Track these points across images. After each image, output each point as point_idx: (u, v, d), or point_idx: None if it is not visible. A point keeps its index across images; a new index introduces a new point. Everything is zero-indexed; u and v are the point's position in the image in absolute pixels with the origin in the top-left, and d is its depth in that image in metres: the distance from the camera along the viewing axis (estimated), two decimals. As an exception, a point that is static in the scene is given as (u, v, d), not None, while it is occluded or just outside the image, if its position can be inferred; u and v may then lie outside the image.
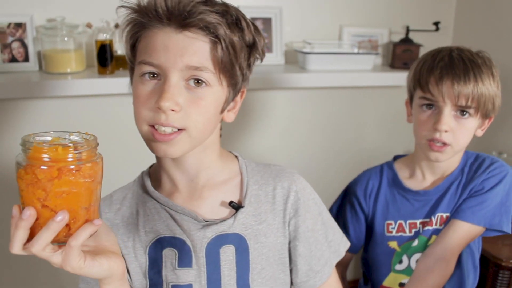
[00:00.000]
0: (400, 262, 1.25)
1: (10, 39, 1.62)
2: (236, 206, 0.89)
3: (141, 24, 0.80)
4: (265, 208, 0.91)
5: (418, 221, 1.23)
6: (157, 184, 0.93)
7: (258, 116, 1.90)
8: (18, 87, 1.54)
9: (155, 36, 0.79)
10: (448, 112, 1.12)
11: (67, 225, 0.66)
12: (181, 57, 0.77)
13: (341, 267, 1.32)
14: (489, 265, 1.40)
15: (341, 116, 2.04)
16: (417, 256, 1.22)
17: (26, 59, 1.65)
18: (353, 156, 2.04)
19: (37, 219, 0.65)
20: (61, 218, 0.65)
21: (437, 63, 1.14)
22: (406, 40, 1.96)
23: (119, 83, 1.61)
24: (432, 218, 1.21)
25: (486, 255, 1.38)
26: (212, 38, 0.78)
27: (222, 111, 0.86)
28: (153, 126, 0.79)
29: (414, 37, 1.96)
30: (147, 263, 0.89)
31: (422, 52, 1.95)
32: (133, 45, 0.83)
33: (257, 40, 0.84)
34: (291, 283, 0.96)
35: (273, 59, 1.87)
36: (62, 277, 1.87)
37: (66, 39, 1.61)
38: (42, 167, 0.64)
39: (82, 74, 1.65)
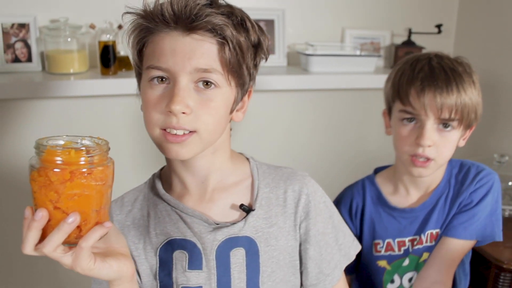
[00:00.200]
0: (392, 281, 1.23)
1: (13, 39, 1.62)
2: (247, 209, 0.89)
3: (147, 29, 0.81)
4: (276, 211, 0.91)
5: (406, 239, 1.20)
6: (168, 186, 0.93)
7: (261, 118, 1.90)
8: (21, 87, 1.54)
9: (162, 40, 0.79)
10: (430, 125, 1.08)
11: (78, 227, 0.68)
12: (189, 60, 0.77)
13: None
14: (490, 268, 1.40)
15: (343, 118, 2.04)
16: (409, 275, 1.21)
17: (29, 59, 1.66)
18: (355, 157, 2.04)
19: (49, 220, 0.67)
20: (73, 220, 0.66)
21: (417, 73, 1.09)
22: (409, 43, 1.96)
23: (122, 84, 1.61)
24: (422, 236, 1.18)
25: (487, 257, 1.38)
26: (219, 39, 0.78)
27: (231, 112, 0.86)
28: (164, 129, 0.80)
29: (417, 39, 1.96)
30: (158, 265, 0.89)
31: (425, 54, 1.96)
32: (140, 50, 0.83)
33: (262, 40, 0.84)
34: (301, 286, 0.96)
35: (275, 61, 1.88)
36: (62, 279, 1.87)
37: (69, 39, 1.62)
38: (55, 169, 0.65)
39: (85, 75, 1.65)
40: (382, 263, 1.23)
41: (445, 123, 1.09)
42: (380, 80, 1.90)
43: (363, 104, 2.05)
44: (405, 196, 1.22)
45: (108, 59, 1.63)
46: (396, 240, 1.20)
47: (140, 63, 0.84)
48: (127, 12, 0.82)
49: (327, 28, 1.96)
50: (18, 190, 1.71)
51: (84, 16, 1.67)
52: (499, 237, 1.17)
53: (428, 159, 1.10)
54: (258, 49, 0.85)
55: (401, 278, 1.22)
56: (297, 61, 1.93)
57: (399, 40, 2.00)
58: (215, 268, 0.87)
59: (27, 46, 1.64)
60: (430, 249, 1.18)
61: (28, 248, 0.67)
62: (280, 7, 1.87)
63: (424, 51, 1.94)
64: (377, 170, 1.30)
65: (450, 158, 1.16)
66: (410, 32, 1.95)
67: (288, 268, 0.91)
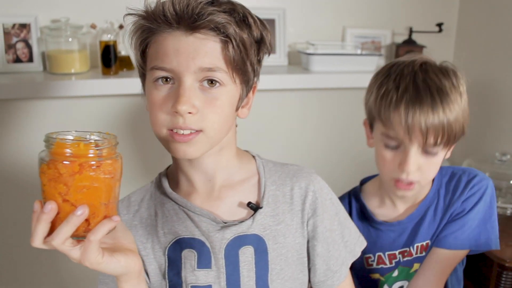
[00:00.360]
0: None
1: (14, 39, 1.62)
2: (254, 207, 0.89)
3: (149, 29, 0.80)
4: (283, 209, 0.91)
5: (397, 252, 1.18)
6: (174, 185, 0.93)
7: (261, 118, 1.90)
8: (22, 87, 1.54)
9: (165, 40, 0.79)
10: (415, 151, 1.02)
11: (86, 220, 0.68)
12: (193, 59, 0.77)
13: None
14: (492, 266, 1.40)
15: (345, 117, 2.04)
16: (398, 284, 1.19)
17: (30, 59, 1.65)
18: (358, 156, 2.04)
19: (58, 213, 0.67)
20: (81, 213, 0.66)
21: (401, 95, 1.00)
22: (409, 42, 1.96)
23: (123, 83, 1.61)
24: (411, 248, 1.16)
25: (489, 255, 1.38)
26: (222, 38, 0.78)
27: (237, 109, 0.86)
28: (171, 130, 0.80)
29: (417, 38, 1.96)
30: (166, 264, 0.89)
31: (425, 53, 1.95)
32: (143, 51, 0.83)
33: (264, 35, 0.84)
34: (309, 282, 0.96)
35: (276, 60, 1.87)
36: (64, 278, 1.87)
37: (70, 39, 1.61)
38: (64, 162, 0.66)
39: (86, 75, 1.65)
40: (376, 276, 1.22)
41: (430, 148, 1.03)
42: (381, 79, 1.91)
43: (364, 103, 2.05)
44: (392, 208, 1.18)
45: (109, 59, 1.62)
46: (387, 253, 1.18)
47: (144, 64, 0.84)
48: (129, 14, 0.82)
49: (328, 27, 1.96)
50: (20, 189, 1.71)
51: (85, 16, 1.67)
52: (496, 246, 1.13)
53: (411, 183, 1.06)
54: (261, 45, 0.85)
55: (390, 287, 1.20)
56: (298, 60, 1.93)
57: (400, 39, 2.00)
58: (224, 266, 0.87)
59: (28, 46, 1.64)
60: (420, 260, 1.16)
61: (37, 241, 0.68)
62: (281, 6, 1.86)
63: (425, 50, 1.94)
64: (364, 181, 1.26)
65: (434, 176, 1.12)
66: (411, 31, 1.95)
67: (296, 266, 0.91)
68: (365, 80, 1.86)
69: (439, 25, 1.93)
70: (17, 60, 1.64)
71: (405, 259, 1.17)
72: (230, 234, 0.87)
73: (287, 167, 0.97)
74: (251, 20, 0.82)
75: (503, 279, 1.38)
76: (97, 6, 1.67)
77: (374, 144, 1.11)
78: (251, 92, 0.89)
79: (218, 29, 0.77)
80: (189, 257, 0.88)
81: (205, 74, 0.78)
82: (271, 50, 0.88)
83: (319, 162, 2.02)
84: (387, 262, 1.19)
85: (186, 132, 0.79)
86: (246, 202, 0.90)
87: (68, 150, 0.66)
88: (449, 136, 1.02)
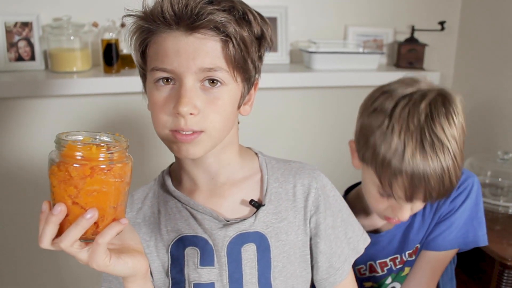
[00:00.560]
0: None
1: (16, 38, 1.62)
2: (256, 205, 0.89)
3: (148, 30, 0.80)
4: (285, 206, 0.91)
5: (387, 259, 1.18)
6: (177, 183, 0.93)
7: (263, 116, 1.90)
8: (24, 86, 1.54)
9: (165, 41, 0.78)
10: (407, 207, 1.01)
11: (95, 223, 0.68)
12: (194, 60, 0.76)
13: None
14: (494, 265, 1.40)
15: (346, 116, 2.03)
16: (390, 286, 1.20)
17: (32, 58, 1.66)
18: (358, 155, 2.05)
19: (66, 215, 0.67)
20: (91, 216, 0.66)
21: (408, 162, 0.93)
22: (411, 40, 1.95)
23: (125, 82, 1.62)
24: (403, 256, 1.16)
25: (491, 254, 1.38)
26: (222, 37, 0.77)
27: (238, 107, 0.86)
28: (173, 130, 0.79)
29: (420, 36, 1.96)
30: (169, 261, 0.89)
31: (428, 52, 1.96)
32: (143, 52, 0.83)
33: (264, 31, 0.83)
34: (312, 280, 0.96)
35: (278, 58, 1.87)
36: (65, 277, 1.87)
37: (72, 38, 1.62)
38: (75, 165, 0.66)
39: (87, 73, 1.65)
40: (368, 284, 1.22)
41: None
42: (383, 78, 1.90)
43: (366, 101, 2.04)
44: (378, 219, 1.16)
45: (111, 57, 1.63)
46: (378, 262, 1.18)
47: (144, 65, 0.84)
48: (127, 15, 0.81)
49: (329, 26, 1.96)
50: (22, 187, 1.71)
51: (87, 14, 1.67)
52: (484, 242, 1.13)
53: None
54: (262, 41, 0.84)
55: None
56: (300, 59, 1.93)
57: (402, 37, 2.00)
58: (227, 264, 0.87)
59: (30, 45, 1.65)
60: (411, 264, 1.16)
61: (45, 242, 0.68)
62: (283, 4, 1.86)
63: (427, 48, 1.94)
64: (348, 190, 1.24)
65: None
66: (413, 29, 1.95)
67: (299, 263, 0.91)
68: (367, 79, 1.88)
69: (441, 23, 1.93)
70: (19, 58, 1.64)
71: (398, 267, 1.17)
72: (232, 231, 0.87)
73: (290, 164, 0.97)
74: (251, 17, 0.81)
75: (505, 277, 1.38)
76: (99, 5, 1.67)
77: (364, 177, 1.06)
78: (252, 88, 0.89)
79: (218, 29, 0.76)
80: (192, 254, 0.88)
81: (206, 74, 0.78)
82: (272, 45, 0.87)
83: (321, 160, 2.02)
84: (379, 270, 1.19)
85: (188, 132, 0.79)
86: (249, 199, 0.89)
87: (79, 153, 0.66)
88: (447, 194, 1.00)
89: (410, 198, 0.97)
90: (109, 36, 1.62)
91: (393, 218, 1.06)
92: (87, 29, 1.66)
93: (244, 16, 0.80)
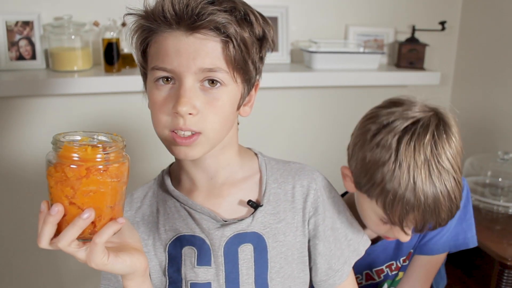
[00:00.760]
0: None
1: (17, 37, 1.63)
2: (254, 205, 0.89)
3: (149, 29, 0.80)
4: (284, 207, 0.91)
5: (383, 266, 1.18)
6: (177, 182, 0.94)
7: (264, 116, 1.90)
8: (25, 85, 1.54)
9: (166, 41, 0.78)
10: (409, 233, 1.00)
11: (92, 222, 0.68)
12: (194, 60, 0.76)
13: None
14: (494, 265, 1.40)
15: (347, 115, 2.03)
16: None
17: (33, 57, 1.66)
18: (358, 155, 2.05)
19: (64, 215, 0.68)
20: (88, 216, 0.67)
21: (419, 204, 0.91)
22: (412, 40, 1.95)
23: (126, 81, 1.62)
24: (397, 262, 1.17)
25: (491, 254, 1.38)
26: (223, 38, 0.77)
27: (238, 108, 0.85)
28: (173, 131, 0.80)
29: (420, 36, 1.96)
30: (167, 261, 0.89)
31: (428, 52, 1.96)
32: (144, 50, 0.83)
33: (266, 32, 0.83)
34: (311, 282, 0.96)
35: (279, 58, 1.87)
36: (64, 277, 1.87)
37: (73, 37, 1.62)
38: (71, 166, 0.66)
39: (88, 72, 1.65)
40: None
41: None
42: (384, 78, 1.91)
43: (367, 101, 2.04)
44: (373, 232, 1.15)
45: (111, 57, 1.63)
46: (374, 270, 1.19)
47: (145, 64, 0.84)
48: (129, 14, 0.81)
49: (330, 25, 1.96)
50: (22, 187, 1.71)
51: (88, 13, 1.67)
52: (473, 243, 1.14)
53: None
54: (263, 42, 0.84)
55: None
56: (300, 59, 1.93)
57: (403, 37, 2.00)
58: (224, 264, 0.87)
59: (31, 44, 1.65)
60: (405, 268, 1.18)
61: (44, 242, 0.68)
62: (284, 4, 1.86)
63: (427, 48, 1.94)
64: (343, 195, 1.22)
65: None
66: (413, 29, 1.95)
67: (296, 264, 0.91)
68: (368, 78, 1.88)
69: (442, 23, 1.93)
70: (20, 57, 1.64)
71: (393, 273, 1.18)
72: (229, 231, 0.87)
73: (290, 165, 0.97)
74: (252, 18, 0.80)
75: (505, 277, 1.38)
76: (100, 4, 1.68)
77: (361, 203, 1.03)
78: (253, 90, 0.88)
79: (218, 29, 0.76)
80: (189, 254, 0.88)
81: (206, 74, 0.78)
82: (273, 47, 0.87)
83: (320, 159, 2.01)
84: (376, 277, 1.20)
85: (187, 133, 0.79)
86: (247, 200, 0.90)
87: (75, 154, 0.66)
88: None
89: (420, 230, 0.96)
90: (110, 35, 1.62)
91: (392, 237, 1.04)
92: (88, 28, 1.66)
93: (245, 17, 0.80)
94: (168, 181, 0.94)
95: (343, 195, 1.23)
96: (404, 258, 1.17)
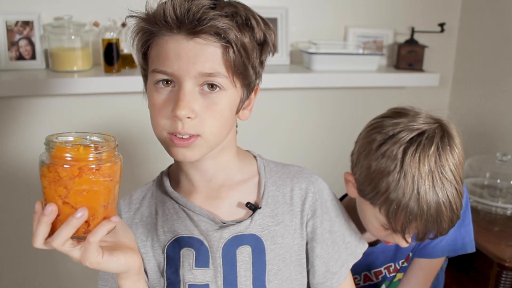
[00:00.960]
0: None
1: (17, 37, 1.63)
2: (253, 207, 0.89)
3: (151, 32, 0.80)
4: (282, 209, 0.91)
5: (382, 268, 1.19)
6: (175, 184, 0.94)
7: (263, 117, 1.91)
8: (25, 84, 1.54)
9: (166, 44, 0.78)
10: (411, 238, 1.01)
11: (86, 221, 0.69)
12: (194, 64, 0.77)
13: None
14: (492, 266, 1.40)
15: (346, 116, 2.04)
16: None
17: (33, 57, 1.66)
18: (357, 156, 2.05)
19: (58, 215, 0.68)
20: (81, 215, 0.67)
21: (421, 213, 0.93)
22: (411, 41, 1.96)
23: (125, 81, 1.62)
24: (396, 264, 1.18)
25: (489, 255, 1.38)
26: (223, 43, 0.77)
27: (237, 112, 0.86)
28: (171, 133, 0.80)
29: (419, 38, 1.97)
30: (165, 262, 0.89)
31: (427, 53, 1.97)
32: (145, 53, 0.83)
33: (267, 36, 0.83)
34: (308, 284, 0.96)
35: (278, 59, 1.88)
36: (63, 277, 1.88)
37: (73, 37, 1.62)
38: (64, 165, 0.67)
39: (88, 73, 1.66)
40: None
41: None
42: (383, 79, 1.92)
43: (366, 102, 2.05)
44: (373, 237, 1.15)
45: (111, 57, 1.63)
46: (372, 271, 1.20)
47: (146, 65, 0.84)
48: (130, 16, 0.81)
49: (330, 27, 1.96)
50: (21, 187, 1.72)
51: (88, 14, 1.68)
52: (471, 248, 1.16)
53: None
54: (264, 46, 0.84)
55: None
56: (300, 60, 1.94)
57: (402, 39, 2.00)
58: (222, 266, 0.87)
59: (31, 44, 1.65)
60: (404, 270, 1.19)
61: (38, 242, 0.69)
62: (283, 5, 1.87)
63: (426, 50, 1.94)
64: (343, 197, 1.24)
65: None
66: (412, 31, 1.96)
67: (294, 267, 0.91)
68: (367, 80, 1.88)
69: (441, 25, 1.93)
70: (20, 57, 1.65)
71: (391, 274, 1.19)
72: (228, 233, 0.87)
73: (288, 168, 0.97)
74: (253, 23, 0.80)
75: (503, 278, 1.38)
76: (100, 4, 1.68)
77: (363, 209, 1.04)
78: (252, 93, 0.89)
79: (218, 35, 0.76)
80: (187, 255, 0.88)
81: (205, 78, 0.78)
82: (274, 51, 0.87)
83: (319, 160, 2.02)
84: (374, 278, 1.21)
85: (185, 136, 0.79)
86: (246, 202, 0.90)
87: (67, 154, 0.67)
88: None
89: (421, 239, 0.98)
90: (110, 35, 1.62)
91: (392, 242, 1.06)
92: (88, 28, 1.66)
93: (246, 22, 0.80)
94: (167, 183, 0.94)
95: (342, 197, 1.24)
96: (403, 260, 1.18)
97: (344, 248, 0.96)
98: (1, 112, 1.66)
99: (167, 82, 0.80)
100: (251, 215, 0.89)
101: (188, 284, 0.88)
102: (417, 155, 0.93)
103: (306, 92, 1.96)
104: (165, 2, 0.78)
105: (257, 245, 0.88)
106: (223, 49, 0.78)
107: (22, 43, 1.64)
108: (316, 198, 0.93)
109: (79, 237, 0.70)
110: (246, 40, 0.79)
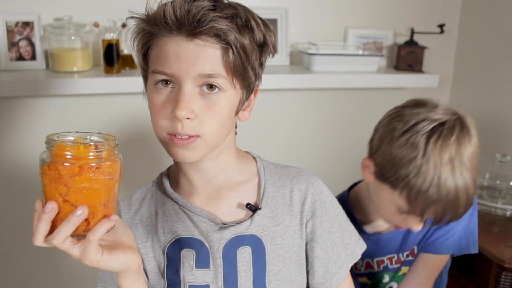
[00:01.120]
0: None
1: (17, 37, 1.63)
2: (253, 208, 0.90)
3: (151, 33, 0.81)
4: (282, 210, 0.92)
5: (385, 258, 1.21)
6: (175, 185, 0.94)
7: (263, 117, 1.91)
8: (25, 85, 1.54)
9: (166, 45, 0.79)
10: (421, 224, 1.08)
11: (86, 219, 0.69)
12: (194, 65, 0.77)
13: None
14: (491, 267, 1.40)
15: (346, 117, 2.05)
16: (389, 285, 1.23)
17: (33, 57, 1.66)
18: (357, 157, 2.04)
19: (58, 213, 0.69)
20: (81, 213, 0.68)
21: (441, 198, 0.99)
22: (411, 42, 1.96)
23: (125, 82, 1.62)
24: (401, 255, 1.20)
25: (488, 256, 1.39)
26: (223, 45, 0.78)
27: (237, 113, 0.86)
28: (171, 134, 0.80)
29: (419, 39, 1.97)
30: (165, 263, 0.90)
31: (427, 54, 1.97)
32: (145, 53, 0.84)
33: (267, 37, 0.84)
34: (307, 285, 0.96)
35: (278, 60, 1.88)
36: (63, 277, 1.88)
37: (73, 38, 1.62)
38: (64, 164, 0.67)
39: (88, 73, 1.66)
40: (363, 279, 1.24)
41: None
42: (382, 80, 1.92)
43: (366, 103, 2.05)
44: (381, 223, 1.20)
45: (111, 58, 1.63)
46: (375, 259, 1.22)
47: (146, 66, 0.85)
48: (131, 17, 0.82)
49: (329, 28, 1.96)
50: (21, 186, 1.72)
51: (88, 14, 1.68)
52: (475, 249, 1.19)
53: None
54: (264, 48, 0.84)
55: None
56: (299, 60, 1.94)
57: (402, 40, 2.01)
58: (222, 266, 0.87)
59: (31, 44, 1.65)
60: (409, 263, 1.20)
61: (38, 239, 0.69)
62: (283, 6, 1.87)
63: (426, 51, 1.94)
64: (352, 187, 1.28)
65: None
66: (412, 32, 1.96)
67: (294, 267, 0.92)
68: (367, 81, 1.89)
69: (441, 26, 1.93)
70: (20, 58, 1.65)
71: (395, 266, 1.20)
72: (228, 234, 0.88)
73: (288, 169, 0.97)
74: (253, 24, 0.81)
75: (502, 279, 1.38)
76: (100, 5, 1.68)
77: (379, 194, 1.10)
78: (252, 94, 0.89)
79: (218, 36, 0.77)
80: (187, 256, 0.88)
81: (204, 79, 0.78)
82: (274, 52, 0.88)
83: (319, 162, 2.02)
84: (375, 267, 1.22)
85: (185, 137, 0.79)
86: (246, 203, 0.90)
87: (68, 153, 0.67)
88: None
89: (438, 221, 1.04)
90: (110, 36, 1.63)
91: (404, 227, 1.11)
92: (88, 29, 1.67)
93: (246, 24, 0.80)
94: (166, 183, 0.94)
95: (350, 188, 1.27)
96: (407, 253, 1.20)
97: (343, 249, 0.96)
98: (1, 112, 1.66)
99: (166, 83, 0.80)
100: (251, 216, 0.90)
101: (189, 285, 0.88)
102: (438, 143, 0.99)
103: (305, 93, 1.96)
104: (165, 3, 0.78)
105: (257, 245, 0.89)
106: (223, 50, 0.78)
107: (22, 43, 1.64)
108: (316, 199, 0.93)
109: (79, 235, 0.70)
110: (246, 41, 0.79)
